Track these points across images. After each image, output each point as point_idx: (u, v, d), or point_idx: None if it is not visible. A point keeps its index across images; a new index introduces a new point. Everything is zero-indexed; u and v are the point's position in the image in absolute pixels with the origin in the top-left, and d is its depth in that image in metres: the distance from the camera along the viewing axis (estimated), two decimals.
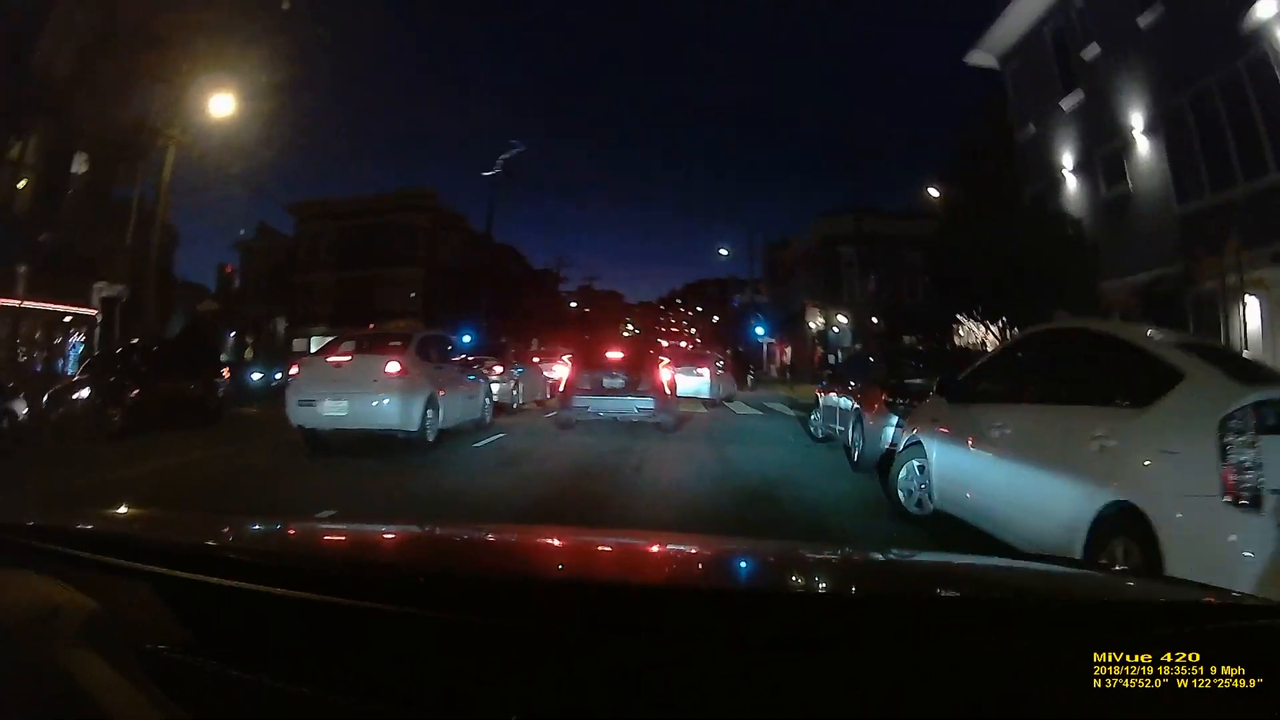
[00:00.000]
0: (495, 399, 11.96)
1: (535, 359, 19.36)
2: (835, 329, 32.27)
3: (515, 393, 14.36)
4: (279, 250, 39.29)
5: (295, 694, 0.79)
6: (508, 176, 31.14)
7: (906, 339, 35.69)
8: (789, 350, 37.09)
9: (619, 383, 10.30)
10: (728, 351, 29.90)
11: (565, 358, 15.92)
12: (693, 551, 1.55)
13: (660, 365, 11.35)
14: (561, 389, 11.26)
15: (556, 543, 1.59)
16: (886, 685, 0.76)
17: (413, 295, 36.34)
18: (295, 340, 37.46)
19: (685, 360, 17.86)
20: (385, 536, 1.62)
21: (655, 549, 1.56)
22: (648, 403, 10.06)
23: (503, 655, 0.81)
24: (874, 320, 31.02)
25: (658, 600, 0.95)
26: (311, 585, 0.92)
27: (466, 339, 34.08)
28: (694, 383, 16.59)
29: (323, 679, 0.80)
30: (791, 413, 15.11)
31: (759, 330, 35.66)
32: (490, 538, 1.64)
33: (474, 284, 32.21)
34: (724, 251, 35.62)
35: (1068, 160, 15.62)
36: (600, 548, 1.57)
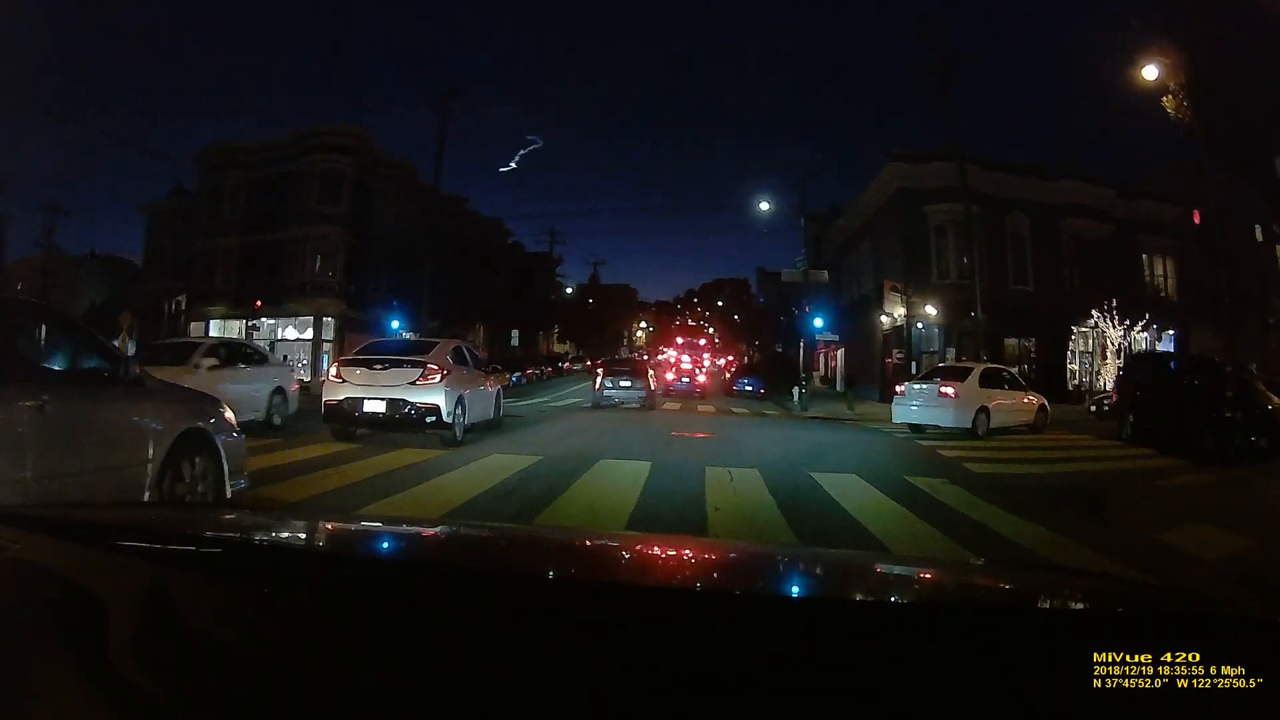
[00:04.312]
0: None
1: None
2: (921, 324, 22.63)
3: None
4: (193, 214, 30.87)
5: (293, 691, 0.79)
6: (459, 104, 22.36)
7: (1009, 342, 26.28)
8: (840, 354, 27.65)
9: (626, 382, 18.71)
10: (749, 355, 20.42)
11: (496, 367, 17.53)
12: (698, 553, 1.56)
13: (648, 371, 20.45)
14: (594, 386, 19.05)
15: (554, 542, 1.63)
16: (888, 686, 0.76)
17: (330, 273, 27.41)
18: (194, 324, 29.19)
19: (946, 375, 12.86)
20: (388, 533, 1.65)
21: (660, 551, 1.58)
22: (641, 393, 18.44)
23: (502, 653, 0.82)
24: (973, 315, 21.60)
25: (659, 599, 0.97)
26: (312, 582, 0.94)
27: (395, 325, 25.55)
28: (934, 409, 12.06)
29: (322, 676, 0.80)
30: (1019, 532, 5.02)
31: (817, 322, 22.61)
32: (493, 537, 1.70)
33: (429, 253, 23.17)
34: (765, 205, 25.29)
35: None
36: (603, 548, 1.59)
